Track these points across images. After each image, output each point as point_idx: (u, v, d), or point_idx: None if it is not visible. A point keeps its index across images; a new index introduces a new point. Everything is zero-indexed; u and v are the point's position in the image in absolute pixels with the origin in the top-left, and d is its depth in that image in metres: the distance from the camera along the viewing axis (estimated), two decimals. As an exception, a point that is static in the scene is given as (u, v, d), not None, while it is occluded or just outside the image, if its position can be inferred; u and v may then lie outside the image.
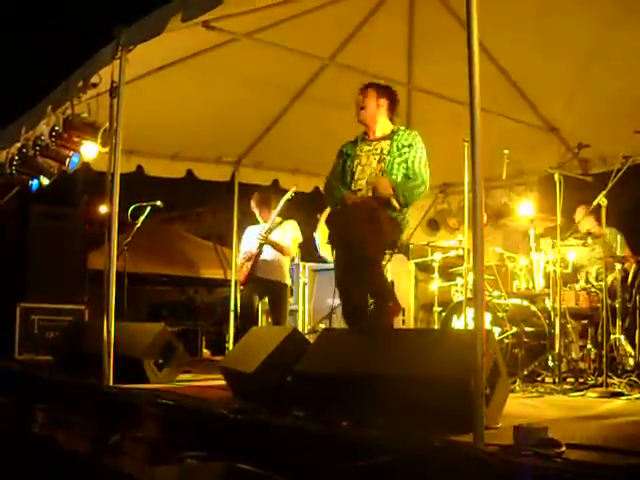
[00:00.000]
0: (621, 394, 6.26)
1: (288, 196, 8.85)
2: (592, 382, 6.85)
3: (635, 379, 6.63)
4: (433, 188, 11.21)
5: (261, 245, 8.72)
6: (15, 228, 11.30)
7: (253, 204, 9.10)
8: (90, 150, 7.82)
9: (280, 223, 8.94)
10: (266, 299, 8.95)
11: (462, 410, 3.83)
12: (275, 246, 8.73)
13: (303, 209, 11.09)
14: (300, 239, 9.16)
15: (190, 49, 7.89)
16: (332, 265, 9.26)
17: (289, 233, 8.94)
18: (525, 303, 7.74)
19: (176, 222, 18.34)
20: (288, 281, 8.98)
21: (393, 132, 6.37)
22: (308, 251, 10.57)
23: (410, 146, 6.23)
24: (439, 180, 10.95)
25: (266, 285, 8.72)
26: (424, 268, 9.43)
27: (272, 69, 8.55)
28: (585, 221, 8.22)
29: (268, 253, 8.77)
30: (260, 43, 7.73)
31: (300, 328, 9.87)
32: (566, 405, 5.87)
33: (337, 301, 9.52)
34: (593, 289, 7.75)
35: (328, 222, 6.31)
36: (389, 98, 6.48)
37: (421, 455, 3.61)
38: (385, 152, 6.26)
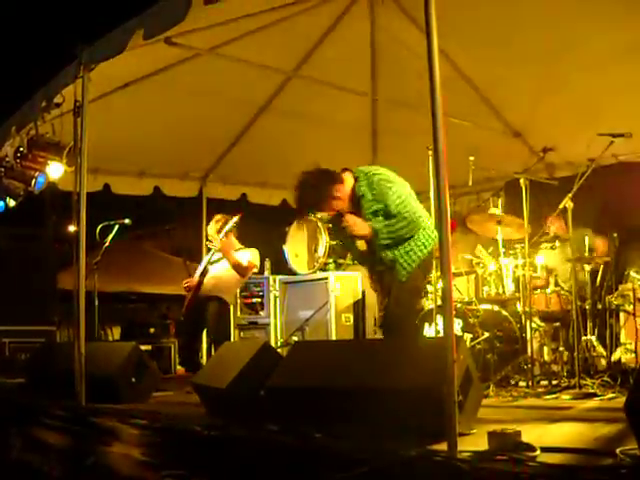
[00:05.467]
0: (594, 395, 6.29)
1: (232, 223, 8.67)
2: (565, 384, 6.88)
3: (608, 379, 6.67)
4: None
5: (205, 269, 8.66)
6: (-17, 251, 11.23)
7: (217, 229, 8.80)
8: (56, 170, 7.78)
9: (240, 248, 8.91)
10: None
11: (436, 418, 3.83)
12: (234, 264, 8.63)
13: (272, 222, 11.08)
14: (256, 267, 9.03)
15: (153, 66, 7.88)
16: (302, 277, 9.27)
17: (248, 257, 8.82)
18: (496, 308, 7.77)
19: (146, 239, 18.23)
20: (230, 299, 8.99)
21: (355, 194, 6.44)
22: (278, 264, 10.56)
23: (374, 196, 6.33)
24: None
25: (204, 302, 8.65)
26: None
27: (236, 83, 8.55)
28: (553, 225, 8.27)
29: (219, 269, 8.78)
30: (223, 58, 7.74)
31: (272, 342, 9.84)
32: (540, 408, 5.89)
33: (309, 313, 9.64)
34: (563, 292, 7.80)
35: None
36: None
37: (397, 465, 3.61)
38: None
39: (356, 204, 6.42)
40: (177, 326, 9.81)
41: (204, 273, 8.63)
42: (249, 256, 8.83)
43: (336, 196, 6.36)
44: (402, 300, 6.43)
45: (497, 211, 8.30)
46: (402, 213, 6.21)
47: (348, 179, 6.44)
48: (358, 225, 6.28)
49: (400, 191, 6.28)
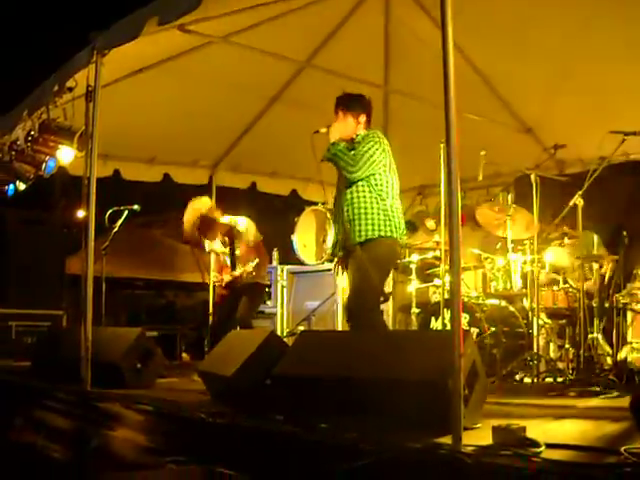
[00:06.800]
0: (600, 393, 6.28)
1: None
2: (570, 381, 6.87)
3: (612, 378, 6.66)
4: (411, 190, 11.31)
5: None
6: (-9, 234, 11.24)
7: (192, 228, 8.65)
8: (66, 154, 7.78)
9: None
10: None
11: (441, 411, 3.83)
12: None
13: (280, 212, 11.08)
14: (253, 236, 8.67)
15: (166, 52, 7.86)
16: (310, 267, 9.23)
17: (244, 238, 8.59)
18: (503, 303, 7.76)
19: (155, 226, 18.21)
20: (264, 280, 8.72)
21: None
22: (286, 254, 10.56)
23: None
24: (417, 182, 11.01)
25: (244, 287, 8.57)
26: (402, 270, 9.39)
27: (249, 72, 8.53)
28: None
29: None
30: (237, 46, 7.73)
31: (279, 331, 9.86)
32: (545, 405, 5.88)
33: (316, 304, 9.64)
34: (571, 289, 7.78)
35: None
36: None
37: (401, 457, 3.61)
38: None
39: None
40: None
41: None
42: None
43: (358, 120, 6.69)
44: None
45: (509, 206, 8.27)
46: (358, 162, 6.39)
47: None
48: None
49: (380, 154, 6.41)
